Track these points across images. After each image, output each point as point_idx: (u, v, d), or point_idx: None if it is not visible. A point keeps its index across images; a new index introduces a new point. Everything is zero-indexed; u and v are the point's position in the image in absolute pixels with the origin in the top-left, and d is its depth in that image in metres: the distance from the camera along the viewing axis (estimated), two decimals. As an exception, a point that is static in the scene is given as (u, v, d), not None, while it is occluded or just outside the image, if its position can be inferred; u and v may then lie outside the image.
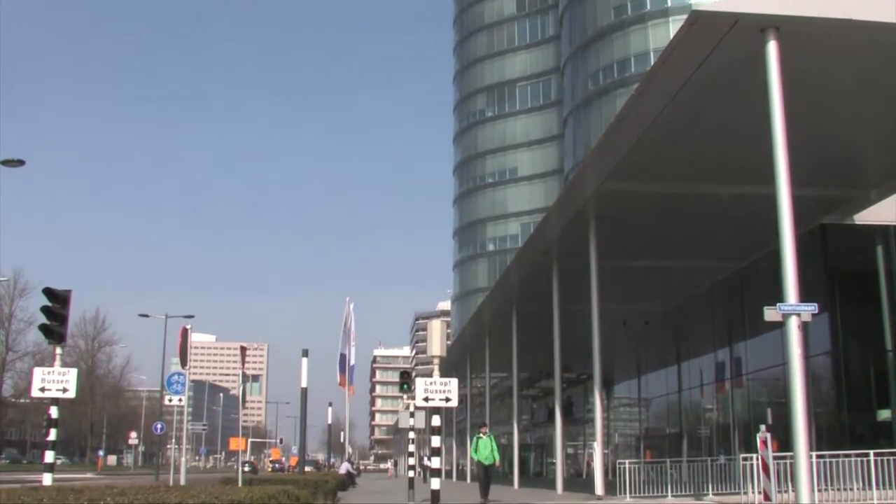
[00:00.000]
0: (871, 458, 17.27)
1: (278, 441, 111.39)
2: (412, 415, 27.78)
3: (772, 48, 15.18)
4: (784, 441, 16.65)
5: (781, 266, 14.94)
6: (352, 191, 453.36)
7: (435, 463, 16.61)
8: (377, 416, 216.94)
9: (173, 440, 52.33)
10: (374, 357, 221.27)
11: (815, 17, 15.03)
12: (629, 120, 19.56)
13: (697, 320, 34.40)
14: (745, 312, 28.86)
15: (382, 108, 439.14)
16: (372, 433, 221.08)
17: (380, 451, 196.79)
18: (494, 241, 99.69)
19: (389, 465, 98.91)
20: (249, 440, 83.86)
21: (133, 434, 79.98)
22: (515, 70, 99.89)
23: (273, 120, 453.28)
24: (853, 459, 17.47)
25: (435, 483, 16.16)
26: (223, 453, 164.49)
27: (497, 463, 24.79)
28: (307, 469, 41.17)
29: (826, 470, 17.13)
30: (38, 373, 16.03)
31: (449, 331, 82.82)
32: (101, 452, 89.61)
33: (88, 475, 58.40)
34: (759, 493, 16.97)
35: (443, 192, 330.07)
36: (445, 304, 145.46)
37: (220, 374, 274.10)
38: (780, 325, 15.37)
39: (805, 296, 14.95)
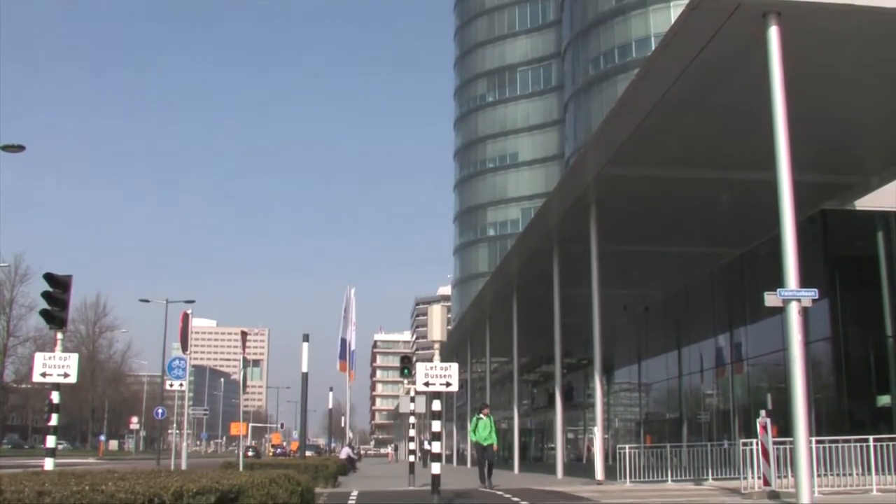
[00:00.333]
0: (871, 443, 17.29)
1: (279, 426, 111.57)
2: (413, 399, 27.83)
3: (773, 33, 15.14)
4: (784, 426, 16.70)
5: (782, 252, 14.94)
6: (352, 175, 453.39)
7: (435, 447, 16.61)
8: (378, 400, 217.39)
9: (174, 425, 52.49)
10: (375, 342, 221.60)
11: (817, 2, 15.00)
12: (630, 105, 19.53)
13: (698, 306, 34.43)
14: (745, 298, 28.87)
15: (385, 93, 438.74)
16: (372, 418, 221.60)
17: (380, 436, 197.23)
18: (495, 226, 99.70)
19: (390, 449, 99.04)
20: (250, 425, 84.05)
21: (134, 419, 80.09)
22: (516, 55, 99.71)
23: (272, 102, 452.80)
24: (852, 445, 17.49)
25: (435, 467, 16.19)
26: (224, 438, 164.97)
27: (496, 447, 24.92)
28: (308, 454, 41.23)
29: (825, 455, 17.15)
30: (40, 358, 16.03)
31: (449, 315, 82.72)
32: (102, 437, 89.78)
33: (90, 460, 58.60)
34: (759, 478, 17.00)
35: (444, 177, 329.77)
36: (446, 289, 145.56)
37: (221, 359, 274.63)
38: (780, 311, 15.39)
39: (805, 281, 14.96)
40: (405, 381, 40.67)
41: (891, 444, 17.42)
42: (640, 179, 23.10)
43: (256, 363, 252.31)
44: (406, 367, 27.63)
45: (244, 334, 26.59)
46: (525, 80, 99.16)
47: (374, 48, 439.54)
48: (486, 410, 25.50)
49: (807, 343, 16.29)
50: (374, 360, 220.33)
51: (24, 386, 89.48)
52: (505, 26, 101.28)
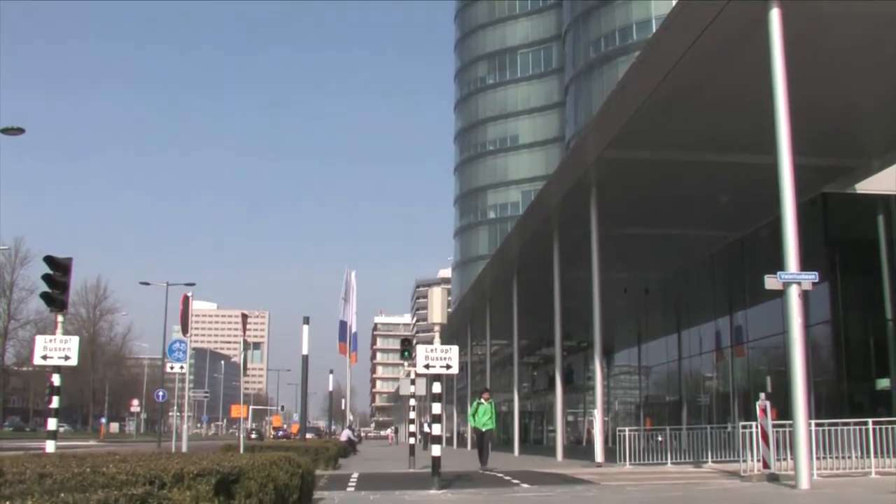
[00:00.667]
0: (870, 426, 17.31)
1: (280, 408, 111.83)
2: (413, 382, 27.92)
3: (774, 15, 15.10)
4: (783, 409, 16.72)
5: (782, 235, 14.94)
6: (353, 158, 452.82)
7: (435, 430, 16.65)
8: (378, 383, 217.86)
9: (175, 408, 52.54)
10: (375, 324, 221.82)
11: (819, -16, 14.95)
12: (631, 88, 19.49)
13: (698, 289, 34.46)
14: (745, 281, 28.89)
15: (384, 76, 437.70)
16: (373, 400, 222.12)
17: (381, 419, 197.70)
18: (495, 209, 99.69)
19: (390, 432, 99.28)
20: (251, 408, 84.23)
21: (135, 402, 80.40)
22: (517, 37, 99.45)
23: (273, 85, 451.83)
24: (852, 428, 17.53)
25: (436, 450, 16.23)
26: (224, 421, 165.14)
27: (493, 432, 24.90)
28: (308, 436, 41.35)
29: (824, 438, 17.18)
30: (40, 341, 16.05)
31: (450, 298, 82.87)
32: (103, 420, 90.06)
33: (91, 442, 58.78)
34: (759, 460, 17.04)
35: (444, 160, 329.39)
36: (446, 272, 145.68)
37: (222, 342, 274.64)
38: (780, 294, 15.40)
39: (806, 265, 14.97)
40: (405, 364, 40.85)
41: (890, 427, 17.45)
42: (641, 162, 23.07)
43: (257, 346, 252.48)
44: (406, 349, 27.69)
45: (244, 317, 26.64)
46: (526, 62, 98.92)
47: (375, 31, 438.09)
48: (486, 395, 25.46)
49: (807, 326, 16.30)
50: (374, 342, 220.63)
51: (25, 369, 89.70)
52: (505, 8, 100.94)
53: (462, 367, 52.17)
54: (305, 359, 31.66)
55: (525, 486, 16.97)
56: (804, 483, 14.18)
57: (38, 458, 8.13)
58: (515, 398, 41.97)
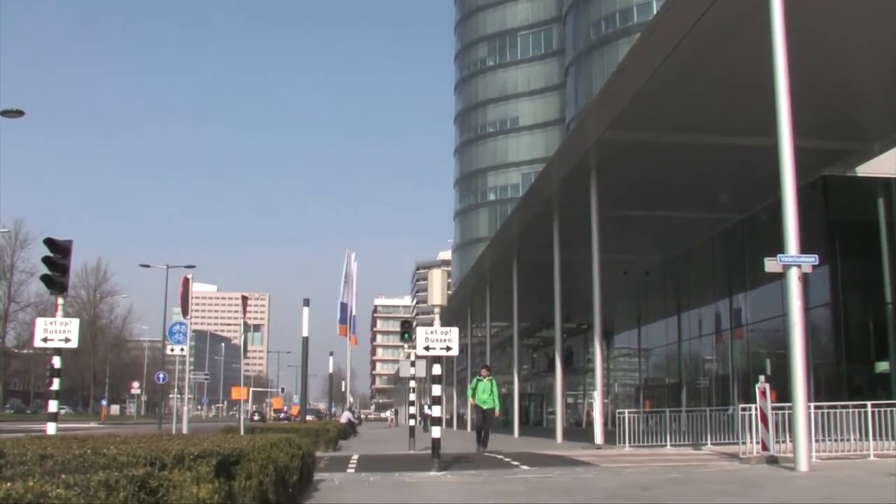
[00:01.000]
0: (869, 409, 17.34)
1: (280, 390, 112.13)
2: (413, 364, 27.89)
3: (776, -4, 15.03)
4: (783, 392, 16.73)
5: (782, 217, 14.91)
6: (353, 140, 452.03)
7: (435, 412, 16.67)
8: (378, 365, 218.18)
9: (175, 390, 52.66)
10: (375, 307, 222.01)
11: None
12: (631, 70, 19.45)
13: (698, 271, 34.46)
14: (745, 263, 28.89)
15: (384, 57, 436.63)
16: (373, 382, 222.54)
17: (381, 400, 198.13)
18: (495, 191, 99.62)
19: (390, 414, 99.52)
20: (251, 389, 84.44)
21: (135, 384, 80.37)
22: (517, 19, 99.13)
23: (273, 65, 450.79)
24: (851, 411, 17.56)
25: (436, 431, 16.26)
26: (225, 403, 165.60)
27: (497, 412, 24.55)
28: (308, 418, 41.46)
29: (823, 421, 17.22)
30: (41, 323, 16.07)
31: (450, 280, 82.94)
32: (104, 402, 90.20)
33: (92, 424, 58.91)
34: (758, 443, 17.08)
35: (444, 142, 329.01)
36: (446, 254, 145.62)
37: (222, 324, 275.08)
38: (780, 277, 15.40)
39: (805, 247, 14.95)
40: (405, 346, 40.81)
41: (888, 409, 17.48)
42: (641, 144, 23.04)
43: (257, 328, 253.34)
44: (406, 331, 27.71)
45: (245, 299, 26.67)
46: (526, 44, 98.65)
47: (377, 11, 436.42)
48: (485, 371, 24.46)
49: (806, 309, 16.30)
50: (374, 324, 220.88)
51: (25, 351, 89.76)
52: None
53: (462, 349, 52.23)
54: (306, 341, 31.73)
55: (525, 467, 17.01)
56: (803, 465, 14.22)
57: (40, 440, 8.17)
58: (515, 380, 42.08)
